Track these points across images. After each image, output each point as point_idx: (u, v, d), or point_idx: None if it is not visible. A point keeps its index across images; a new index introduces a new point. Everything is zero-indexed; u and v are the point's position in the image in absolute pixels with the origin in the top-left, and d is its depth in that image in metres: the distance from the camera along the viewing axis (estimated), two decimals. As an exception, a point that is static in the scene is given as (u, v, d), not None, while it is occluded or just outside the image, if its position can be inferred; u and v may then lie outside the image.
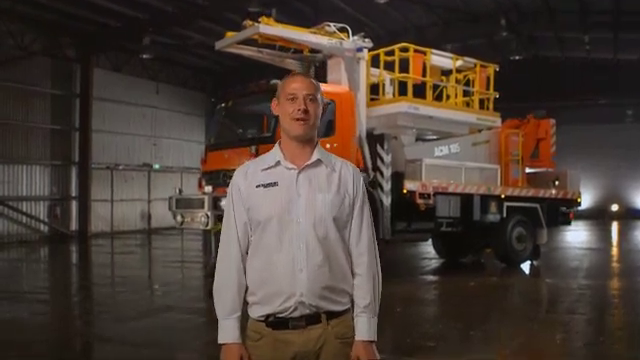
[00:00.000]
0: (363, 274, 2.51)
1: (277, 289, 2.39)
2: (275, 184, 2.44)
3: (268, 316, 2.42)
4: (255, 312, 2.47)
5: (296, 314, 2.39)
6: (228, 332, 2.46)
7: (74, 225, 22.96)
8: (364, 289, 2.51)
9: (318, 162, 2.48)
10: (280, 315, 2.40)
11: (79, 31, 22.39)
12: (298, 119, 2.43)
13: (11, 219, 20.80)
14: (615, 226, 28.49)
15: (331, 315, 2.44)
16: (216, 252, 9.22)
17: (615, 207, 32.30)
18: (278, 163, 2.47)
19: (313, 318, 2.41)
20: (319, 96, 2.50)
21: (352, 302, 2.53)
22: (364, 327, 2.49)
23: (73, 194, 23.07)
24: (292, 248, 2.38)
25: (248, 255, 2.49)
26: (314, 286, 2.38)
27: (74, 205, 23.05)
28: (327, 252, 2.41)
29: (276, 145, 2.53)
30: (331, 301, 2.43)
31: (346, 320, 2.49)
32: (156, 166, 26.92)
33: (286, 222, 2.40)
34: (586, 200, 17.73)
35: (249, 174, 2.50)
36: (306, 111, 2.43)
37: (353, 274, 2.52)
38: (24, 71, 21.10)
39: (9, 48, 20.24)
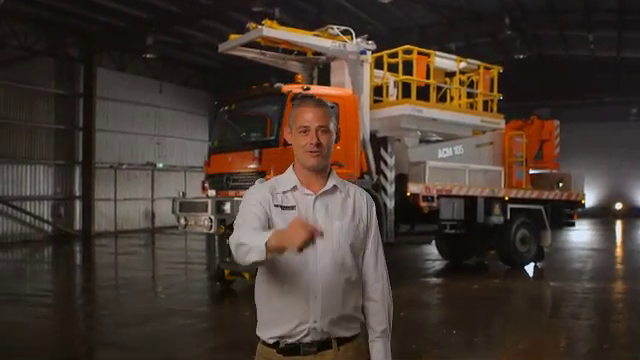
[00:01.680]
0: (379, 300, 2.54)
1: (290, 314, 2.39)
2: (293, 208, 2.43)
3: (279, 340, 2.41)
4: (266, 333, 2.46)
5: (307, 339, 2.39)
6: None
7: (78, 224, 22.99)
8: (380, 315, 2.54)
9: (334, 188, 2.49)
10: (290, 340, 2.39)
11: (82, 31, 22.40)
12: (311, 152, 2.43)
13: (15, 219, 20.83)
14: (619, 225, 28.43)
15: (342, 340, 2.44)
16: (220, 254, 9.15)
17: (619, 206, 32.21)
18: (295, 188, 2.47)
19: (324, 344, 2.41)
20: (332, 125, 2.48)
21: (361, 326, 2.55)
22: (380, 352, 2.53)
23: (77, 193, 23.09)
24: (308, 274, 2.37)
25: (264, 272, 2.48)
26: (328, 313, 2.38)
27: (78, 204, 23.07)
28: (344, 279, 2.42)
29: (290, 169, 2.53)
30: (343, 327, 2.44)
31: (356, 345, 2.50)
32: (159, 165, 26.92)
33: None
34: (590, 199, 17.65)
35: (266, 192, 2.48)
36: (318, 144, 2.42)
37: (367, 299, 2.53)
38: (27, 71, 21.10)
39: (13, 48, 20.23)
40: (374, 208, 2.58)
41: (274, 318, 2.43)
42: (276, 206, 2.43)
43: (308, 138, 2.43)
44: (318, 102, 2.52)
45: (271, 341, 2.43)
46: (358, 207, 2.50)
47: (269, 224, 2.40)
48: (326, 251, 2.37)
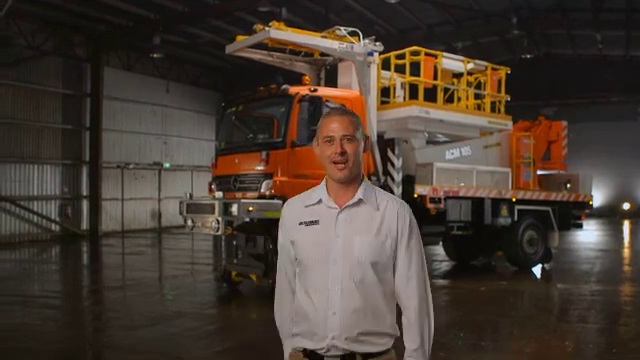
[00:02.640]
0: (412, 317, 2.47)
1: (312, 328, 2.41)
2: (316, 222, 2.44)
3: (306, 349, 2.45)
4: (296, 342, 2.50)
5: (330, 354, 2.39)
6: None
7: (85, 224, 23.03)
8: (412, 332, 2.47)
9: (359, 202, 2.44)
10: (317, 352, 2.41)
11: (90, 30, 22.45)
12: (336, 162, 2.40)
13: (22, 218, 20.88)
14: (627, 225, 28.29)
15: (368, 355, 2.41)
16: (227, 255, 9.23)
17: (627, 206, 32.01)
18: (320, 201, 2.47)
19: (349, 357, 2.40)
20: (358, 134, 2.44)
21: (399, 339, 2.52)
22: None
23: (84, 193, 23.12)
24: (327, 290, 2.37)
25: (296, 285, 2.53)
26: (347, 330, 2.36)
27: (85, 204, 23.11)
28: (364, 296, 2.37)
29: (322, 182, 2.52)
30: (368, 343, 2.40)
31: (386, 358, 2.46)
32: (166, 165, 26.95)
33: (324, 263, 2.39)
34: (597, 199, 17.57)
35: (294, 210, 2.53)
36: (343, 153, 2.39)
37: (403, 315, 2.50)
38: (35, 71, 21.17)
39: (20, 48, 20.30)
40: (408, 220, 2.47)
41: (301, 330, 2.47)
42: (300, 224, 2.46)
43: (333, 148, 2.40)
44: (343, 112, 2.52)
45: (300, 349, 2.48)
46: (387, 221, 2.43)
47: (293, 248, 2.50)
48: (345, 267, 2.36)
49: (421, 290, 2.48)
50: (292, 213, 2.52)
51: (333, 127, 2.42)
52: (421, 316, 2.47)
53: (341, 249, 2.38)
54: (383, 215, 2.43)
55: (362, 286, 2.37)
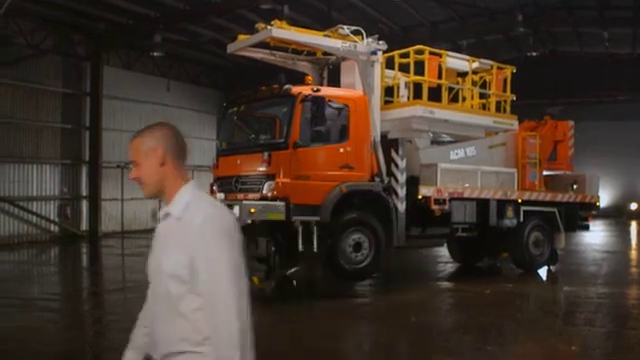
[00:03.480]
0: (210, 334, 2.28)
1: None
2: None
3: None
4: None
5: None
6: None
7: (85, 225, 22.85)
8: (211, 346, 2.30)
9: (166, 215, 2.43)
10: None
11: (89, 29, 22.28)
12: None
13: (21, 219, 20.69)
14: (634, 226, 28.09)
15: None
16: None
17: (634, 206, 31.62)
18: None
19: None
20: (143, 154, 2.44)
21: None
22: None
23: (83, 193, 22.96)
24: (150, 303, 2.47)
25: None
26: (158, 346, 2.36)
27: (84, 205, 22.94)
28: (169, 309, 2.30)
29: None
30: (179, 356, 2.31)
31: None
32: (167, 164, 26.71)
33: (150, 276, 2.48)
34: (604, 199, 17.32)
35: None
36: (135, 178, 2.47)
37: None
38: (34, 70, 20.99)
39: (20, 47, 20.12)
40: (206, 229, 2.29)
41: None
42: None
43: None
44: (134, 135, 2.51)
45: None
46: (187, 233, 2.29)
47: None
48: (155, 280, 2.41)
49: (217, 308, 2.25)
50: None
51: (129, 153, 2.49)
52: (215, 334, 2.25)
53: (153, 263, 2.43)
54: (185, 227, 2.32)
55: (168, 299, 2.31)
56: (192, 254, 2.26)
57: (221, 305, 2.23)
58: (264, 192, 9.87)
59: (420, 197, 11.50)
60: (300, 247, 9.93)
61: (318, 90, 10.28)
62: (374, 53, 11.27)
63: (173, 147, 2.47)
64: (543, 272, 13.33)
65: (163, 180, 2.44)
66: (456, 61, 13.10)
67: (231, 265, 2.27)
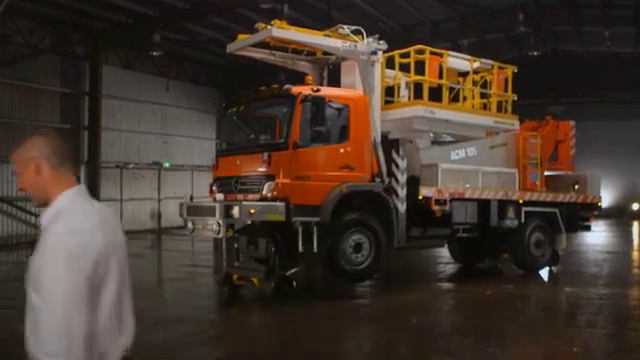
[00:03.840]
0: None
1: None
2: None
3: None
4: None
5: None
6: None
7: (84, 225, 22.76)
8: None
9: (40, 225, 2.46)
10: None
11: (88, 28, 22.26)
12: None
13: (20, 220, 20.65)
14: (636, 226, 27.98)
15: None
16: (228, 258, 8.99)
17: (636, 206, 31.47)
18: None
19: None
20: (23, 165, 2.42)
21: None
22: None
23: (83, 193, 22.87)
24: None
25: None
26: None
27: (84, 204, 22.85)
28: (33, 319, 2.26)
29: None
30: None
31: None
32: (166, 164, 26.73)
33: None
34: (605, 199, 17.23)
35: None
36: (21, 189, 2.46)
37: None
38: (33, 69, 20.98)
39: (18, 46, 20.10)
40: (49, 246, 2.24)
41: None
42: None
43: None
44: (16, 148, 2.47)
45: None
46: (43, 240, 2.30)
47: None
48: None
49: (41, 317, 2.21)
50: None
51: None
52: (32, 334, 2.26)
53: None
54: (45, 238, 2.29)
55: (31, 305, 2.27)
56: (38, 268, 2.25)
57: (45, 326, 2.20)
58: (264, 193, 9.82)
59: (421, 197, 11.44)
60: (300, 248, 9.88)
61: (318, 90, 10.22)
62: (374, 53, 11.21)
63: (48, 155, 2.39)
64: (544, 273, 13.26)
65: (44, 189, 2.41)
66: (457, 61, 13.04)
67: (65, 290, 2.18)
